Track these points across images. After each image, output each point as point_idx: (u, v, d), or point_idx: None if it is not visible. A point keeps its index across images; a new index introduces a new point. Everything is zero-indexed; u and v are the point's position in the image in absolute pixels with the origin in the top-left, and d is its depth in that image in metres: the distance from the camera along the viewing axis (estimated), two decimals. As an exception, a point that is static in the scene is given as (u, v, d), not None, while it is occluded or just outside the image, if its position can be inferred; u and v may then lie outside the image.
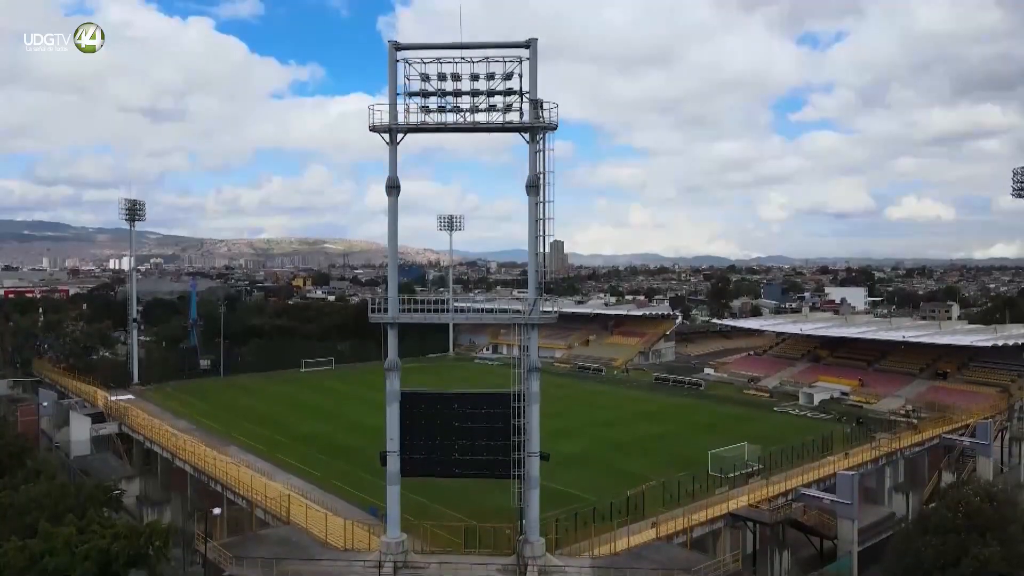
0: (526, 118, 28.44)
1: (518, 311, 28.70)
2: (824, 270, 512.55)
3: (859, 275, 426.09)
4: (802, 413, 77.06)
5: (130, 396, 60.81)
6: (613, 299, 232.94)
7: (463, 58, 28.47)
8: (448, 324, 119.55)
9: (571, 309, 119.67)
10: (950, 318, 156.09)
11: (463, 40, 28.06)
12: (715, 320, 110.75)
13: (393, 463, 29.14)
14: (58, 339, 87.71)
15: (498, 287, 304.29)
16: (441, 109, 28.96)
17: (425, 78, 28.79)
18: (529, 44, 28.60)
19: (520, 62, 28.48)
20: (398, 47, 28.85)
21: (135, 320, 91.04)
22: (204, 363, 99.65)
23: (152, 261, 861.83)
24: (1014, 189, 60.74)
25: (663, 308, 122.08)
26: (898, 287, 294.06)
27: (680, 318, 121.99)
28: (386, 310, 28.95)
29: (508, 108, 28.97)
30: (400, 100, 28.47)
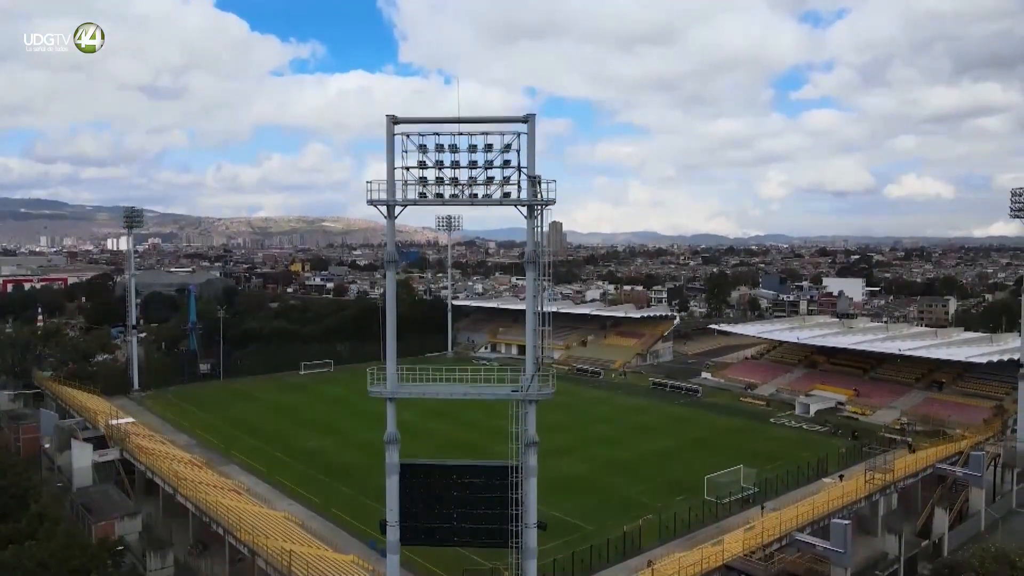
0: (524, 194, 28.43)
1: (516, 388, 28.86)
2: (823, 252, 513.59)
3: (858, 259, 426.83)
4: (798, 425, 77.79)
5: (131, 420, 60.97)
6: (611, 287, 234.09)
7: (461, 132, 28.39)
8: (447, 323, 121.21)
9: (569, 310, 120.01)
10: (947, 313, 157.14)
11: (461, 115, 27.97)
12: (712, 327, 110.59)
13: (393, 534, 29.49)
14: (57, 347, 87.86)
15: (497, 272, 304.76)
16: (439, 180, 28.93)
17: (423, 150, 28.74)
18: (527, 119, 28.48)
19: (518, 136, 28.42)
20: (396, 121, 28.73)
21: (134, 327, 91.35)
22: (204, 367, 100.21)
23: (150, 241, 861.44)
24: (1012, 210, 60.67)
25: (662, 309, 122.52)
26: (896, 274, 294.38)
27: (678, 319, 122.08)
28: (384, 382, 29.17)
29: (507, 180, 28.94)
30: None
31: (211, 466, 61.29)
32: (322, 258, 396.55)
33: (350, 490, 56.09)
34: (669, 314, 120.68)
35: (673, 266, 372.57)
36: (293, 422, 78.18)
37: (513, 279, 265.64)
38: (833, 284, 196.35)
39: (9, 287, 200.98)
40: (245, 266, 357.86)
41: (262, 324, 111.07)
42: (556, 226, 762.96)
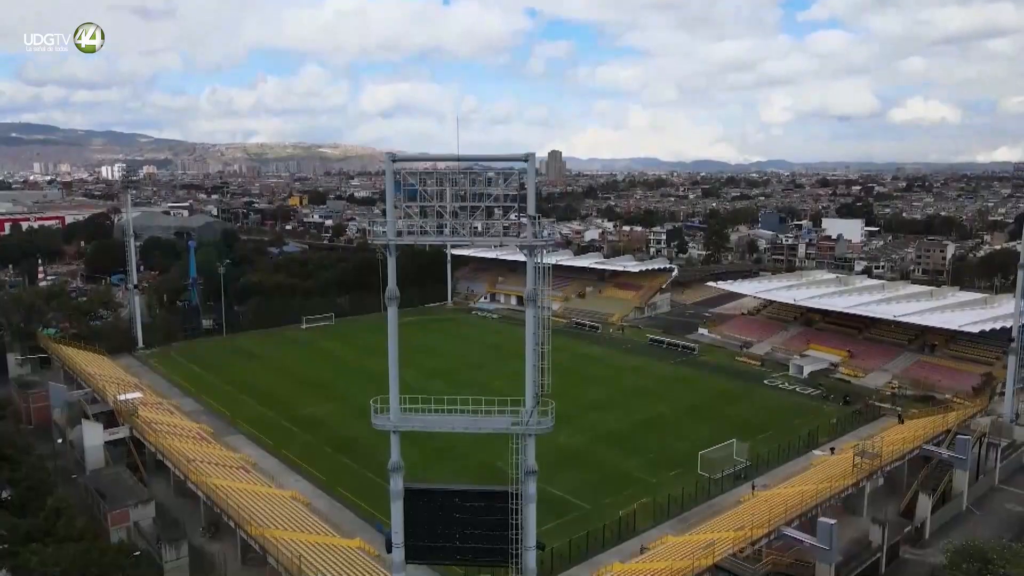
0: (524, 233, 28.61)
1: (516, 421, 29.68)
2: (824, 183, 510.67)
3: (859, 190, 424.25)
4: (791, 387, 79.41)
5: (138, 395, 62.21)
6: (611, 225, 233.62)
7: (461, 170, 28.38)
8: (447, 274, 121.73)
9: (568, 262, 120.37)
10: (944, 259, 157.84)
11: (460, 153, 27.95)
12: (710, 283, 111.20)
13: (398, 554, 30.92)
14: (60, 308, 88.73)
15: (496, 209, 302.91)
16: (440, 214, 29.06)
17: (424, 182, 28.82)
18: (527, 158, 28.43)
19: (518, 175, 28.45)
20: (395, 159, 28.71)
21: (135, 286, 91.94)
22: (206, 322, 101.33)
23: (145, 170, 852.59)
24: None
25: (660, 262, 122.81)
26: (896, 208, 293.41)
27: (676, 271, 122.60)
28: (388, 412, 30.01)
29: (506, 212, 29.10)
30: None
31: (218, 437, 63.06)
32: (320, 191, 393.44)
33: (355, 465, 57.71)
34: (667, 266, 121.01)
35: (673, 199, 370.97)
36: (296, 385, 79.59)
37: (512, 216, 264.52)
38: (832, 226, 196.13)
39: (6, 227, 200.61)
40: (243, 199, 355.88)
41: (263, 278, 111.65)
42: (555, 155, 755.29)
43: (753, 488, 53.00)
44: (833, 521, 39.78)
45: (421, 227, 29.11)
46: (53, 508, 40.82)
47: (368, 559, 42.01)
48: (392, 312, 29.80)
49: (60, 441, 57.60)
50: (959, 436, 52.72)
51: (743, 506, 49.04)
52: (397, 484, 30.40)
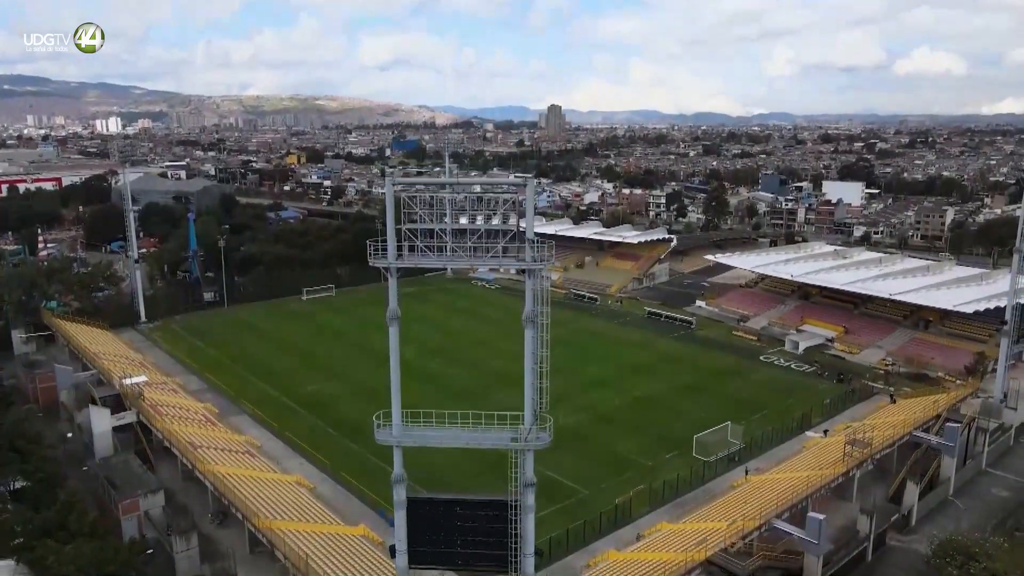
0: (523, 256, 29.09)
1: (515, 437, 30.56)
2: (826, 138, 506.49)
3: (861, 147, 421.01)
4: (787, 364, 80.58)
5: (143, 378, 63.18)
6: (610, 186, 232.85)
7: (460, 194, 28.76)
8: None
9: (568, 232, 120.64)
10: (943, 225, 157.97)
11: (459, 177, 28.25)
12: (708, 257, 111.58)
13: (402, 560, 32.18)
14: (63, 284, 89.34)
15: (495, 167, 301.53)
16: (440, 236, 29.49)
17: (426, 206, 29.19)
18: (525, 183, 28.77)
19: (516, 199, 28.85)
20: (396, 183, 29.03)
21: (136, 261, 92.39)
22: (208, 295, 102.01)
23: (140, 123, 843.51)
24: None
25: (659, 232, 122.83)
26: (897, 167, 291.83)
27: (675, 241, 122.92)
28: (391, 428, 30.91)
29: (505, 234, 29.57)
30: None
31: (223, 417, 64.33)
32: (317, 149, 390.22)
33: (358, 447, 58.83)
34: (666, 237, 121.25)
35: (673, 157, 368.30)
36: (298, 361, 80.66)
37: (511, 175, 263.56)
38: (833, 189, 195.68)
39: (3, 188, 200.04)
40: (240, 157, 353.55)
41: (262, 248, 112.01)
42: (555, 109, 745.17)
43: (746, 472, 54.41)
44: (822, 516, 41.07)
45: (421, 248, 29.56)
46: (66, 502, 42.15)
47: (372, 548, 43.47)
48: (393, 331, 30.46)
49: (70, 436, 58.98)
50: (948, 424, 53.84)
51: (736, 493, 50.44)
52: (401, 495, 31.48)
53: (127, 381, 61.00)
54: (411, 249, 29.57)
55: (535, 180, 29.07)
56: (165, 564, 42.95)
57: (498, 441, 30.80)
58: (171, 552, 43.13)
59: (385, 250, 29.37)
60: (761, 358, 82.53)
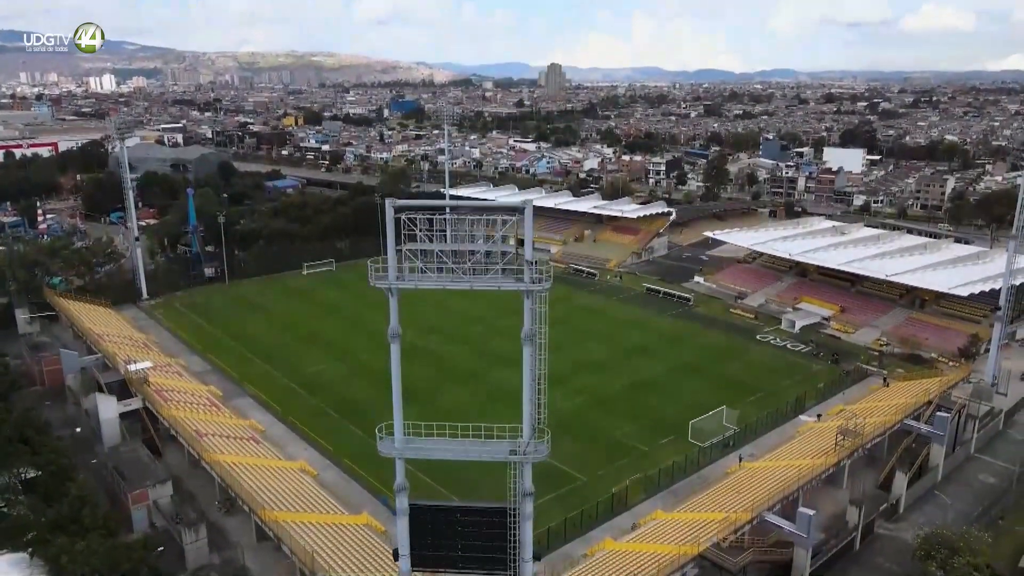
0: (522, 277, 29.56)
1: (514, 450, 31.42)
2: (829, 97, 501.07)
3: (864, 106, 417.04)
4: (783, 343, 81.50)
5: (148, 364, 64.00)
6: (610, 151, 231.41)
7: (460, 217, 29.12)
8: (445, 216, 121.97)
9: (567, 205, 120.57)
10: (943, 194, 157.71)
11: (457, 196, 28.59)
12: (706, 234, 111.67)
13: (405, 564, 33.36)
14: (64, 262, 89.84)
15: (495, 131, 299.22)
16: (440, 258, 29.95)
17: (427, 229, 29.64)
18: (524, 208, 29.12)
19: (515, 222, 29.26)
20: (396, 205, 29.35)
21: (137, 239, 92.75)
22: (208, 271, 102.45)
23: (134, 80, 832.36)
24: None
25: (658, 207, 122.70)
26: (900, 130, 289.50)
27: (674, 214, 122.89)
28: (393, 439, 31.78)
29: (504, 256, 30.01)
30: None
31: (227, 401, 65.45)
32: (315, 110, 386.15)
33: (361, 432, 59.73)
34: (665, 211, 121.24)
35: (674, 118, 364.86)
36: (300, 340, 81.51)
37: (511, 140, 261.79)
38: (833, 156, 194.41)
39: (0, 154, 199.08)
40: (236, 118, 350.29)
41: (262, 223, 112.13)
42: (555, 68, 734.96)
43: (740, 459, 55.63)
44: (812, 512, 42.33)
45: (422, 272, 30.03)
46: (78, 496, 43.35)
47: (375, 537, 44.91)
48: (395, 348, 31.10)
49: (79, 430, 60.06)
50: (939, 413, 54.89)
51: (729, 481, 51.68)
52: (403, 503, 32.48)
53: (132, 367, 61.83)
54: (411, 270, 30.11)
55: (531, 201, 29.36)
56: (175, 553, 44.43)
57: (497, 454, 31.66)
58: (180, 542, 44.59)
59: (387, 270, 29.86)
60: (758, 337, 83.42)
